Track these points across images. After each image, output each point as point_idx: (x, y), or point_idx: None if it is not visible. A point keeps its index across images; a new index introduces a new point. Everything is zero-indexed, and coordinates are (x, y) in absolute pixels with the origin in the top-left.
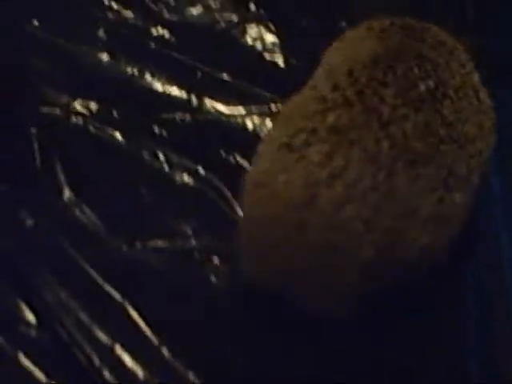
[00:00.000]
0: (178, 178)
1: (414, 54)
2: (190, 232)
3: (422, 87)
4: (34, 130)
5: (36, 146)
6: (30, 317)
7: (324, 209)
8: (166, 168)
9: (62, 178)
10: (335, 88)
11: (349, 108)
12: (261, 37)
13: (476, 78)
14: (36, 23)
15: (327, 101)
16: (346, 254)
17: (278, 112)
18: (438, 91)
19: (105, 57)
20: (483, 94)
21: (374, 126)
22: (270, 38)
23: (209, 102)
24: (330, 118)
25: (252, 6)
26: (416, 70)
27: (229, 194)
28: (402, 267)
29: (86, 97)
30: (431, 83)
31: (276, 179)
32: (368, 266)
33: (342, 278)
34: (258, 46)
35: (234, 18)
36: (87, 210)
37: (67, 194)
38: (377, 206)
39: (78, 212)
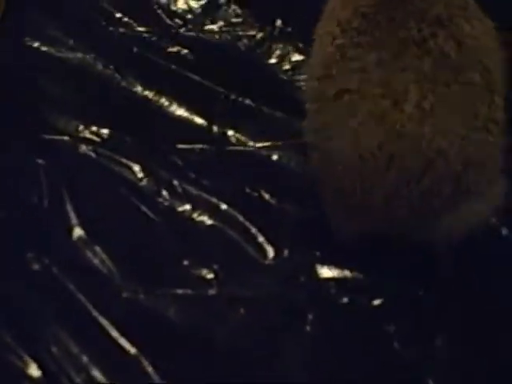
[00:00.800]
0: (197, 215)
1: None
2: (211, 277)
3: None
4: (41, 161)
5: (44, 179)
6: (36, 372)
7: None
8: (185, 204)
9: (71, 215)
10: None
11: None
12: (288, 56)
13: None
14: (47, 41)
15: None
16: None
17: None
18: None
19: (117, 77)
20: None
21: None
22: (297, 58)
23: (231, 132)
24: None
25: (278, 22)
26: None
27: (254, 234)
28: None
29: (98, 123)
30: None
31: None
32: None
33: None
34: (285, 66)
35: (259, 35)
36: (99, 251)
37: (77, 232)
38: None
39: (89, 253)
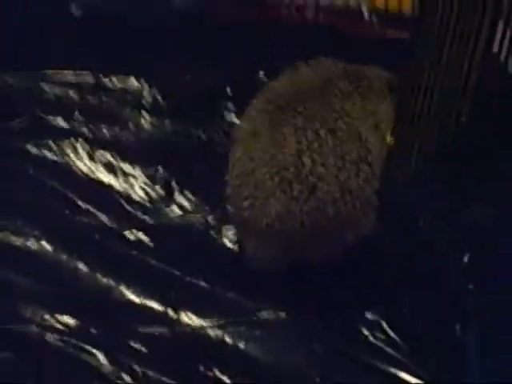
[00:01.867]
0: None
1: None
2: None
3: None
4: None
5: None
6: None
7: None
8: None
9: None
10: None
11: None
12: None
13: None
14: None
15: None
16: None
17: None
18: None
19: (82, 266)
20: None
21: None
22: None
23: (185, 315)
24: None
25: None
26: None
27: None
28: None
29: (63, 311)
30: None
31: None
32: None
33: None
34: (235, 247)
35: (211, 219)
36: None
37: None
38: None
39: None
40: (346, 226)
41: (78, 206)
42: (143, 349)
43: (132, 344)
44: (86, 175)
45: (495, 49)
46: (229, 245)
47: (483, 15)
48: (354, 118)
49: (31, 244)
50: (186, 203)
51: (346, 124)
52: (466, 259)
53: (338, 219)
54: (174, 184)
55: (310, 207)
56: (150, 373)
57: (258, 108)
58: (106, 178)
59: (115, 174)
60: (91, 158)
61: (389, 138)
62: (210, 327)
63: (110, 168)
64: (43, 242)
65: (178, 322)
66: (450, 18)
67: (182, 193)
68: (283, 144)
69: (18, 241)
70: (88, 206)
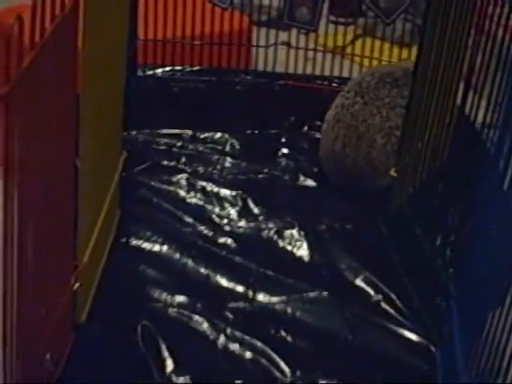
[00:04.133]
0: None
1: None
2: None
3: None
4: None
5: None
6: None
7: None
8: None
9: None
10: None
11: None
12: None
13: None
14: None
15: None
16: None
17: None
18: None
19: (190, 262)
20: None
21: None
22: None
23: (260, 294)
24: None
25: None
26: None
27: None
28: None
29: (179, 293)
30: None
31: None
32: None
33: None
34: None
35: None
36: None
37: None
38: None
39: None
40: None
41: (184, 220)
42: (231, 317)
43: (225, 314)
44: (190, 200)
45: None
46: (288, 247)
47: None
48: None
49: (156, 247)
50: (258, 216)
51: None
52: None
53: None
54: (250, 202)
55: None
56: (237, 333)
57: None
58: (202, 200)
59: (209, 198)
60: (193, 187)
61: (393, 172)
62: (277, 303)
63: (205, 194)
64: (164, 246)
65: (255, 299)
66: None
67: (255, 208)
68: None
69: (148, 245)
70: (186, 217)
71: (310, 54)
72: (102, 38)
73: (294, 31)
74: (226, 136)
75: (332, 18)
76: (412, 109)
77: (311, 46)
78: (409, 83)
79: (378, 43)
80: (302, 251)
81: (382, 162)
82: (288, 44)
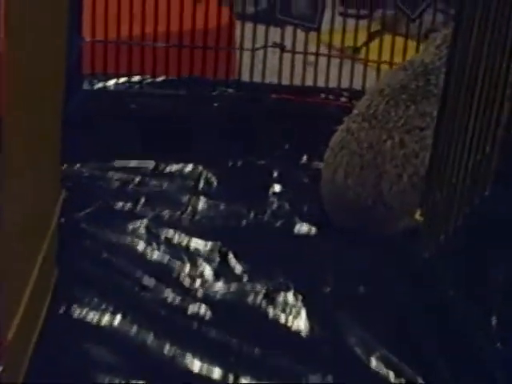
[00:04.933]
0: None
1: None
2: None
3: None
4: None
5: None
6: None
7: None
8: None
9: None
10: None
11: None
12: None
13: None
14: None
15: None
16: None
17: None
18: None
19: (151, 338)
20: None
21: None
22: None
23: (244, 380)
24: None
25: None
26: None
27: None
28: None
29: (135, 378)
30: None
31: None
32: None
33: None
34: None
35: (261, 288)
36: None
37: None
38: None
39: None
40: None
41: (143, 283)
42: None
43: None
44: (151, 255)
45: None
46: (281, 317)
47: None
48: None
49: (106, 318)
50: (242, 276)
51: None
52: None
53: None
54: (230, 257)
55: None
56: None
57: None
58: (167, 256)
59: (176, 252)
60: (155, 238)
61: (418, 215)
62: None
63: (171, 246)
64: (117, 317)
65: None
66: None
67: (238, 265)
68: None
69: (95, 316)
70: (151, 282)
71: (311, 58)
72: (31, 40)
73: (290, 28)
74: (200, 169)
75: (340, 8)
76: (442, 131)
77: (312, 48)
78: (431, 95)
79: (400, 42)
80: (299, 322)
81: (395, 199)
82: (282, 46)
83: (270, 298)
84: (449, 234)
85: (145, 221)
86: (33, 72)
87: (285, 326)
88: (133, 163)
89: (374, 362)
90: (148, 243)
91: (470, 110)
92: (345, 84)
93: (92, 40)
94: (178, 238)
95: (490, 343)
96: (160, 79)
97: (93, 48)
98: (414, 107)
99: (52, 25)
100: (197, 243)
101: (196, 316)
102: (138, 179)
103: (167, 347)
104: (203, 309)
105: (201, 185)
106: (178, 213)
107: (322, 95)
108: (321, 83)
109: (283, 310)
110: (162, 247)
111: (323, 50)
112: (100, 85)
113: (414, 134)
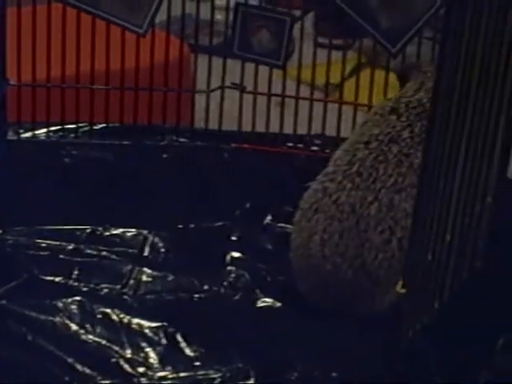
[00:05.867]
0: None
1: None
2: None
3: None
4: None
5: None
6: None
7: None
8: None
9: None
10: None
11: None
12: None
13: None
14: None
15: None
16: None
17: None
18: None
19: None
20: None
21: None
22: None
23: None
24: None
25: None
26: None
27: None
28: None
29: None
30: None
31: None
32: None
33: None
34: None
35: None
36: None
37: None
38: None
39: None
40: None
41: (76, 369)
42: None
43: None
44: (85, 337)
45: None
46: None
47: None
48: None
49: None
50: (193, 361)
51: None
52: None
53: None
54: (179, 339)
55: None
56: None
57: None
58: (104, 338)
59: (116, 333)
60: (91, 316)
61: (399, 287)
62: None
63: (109, 327)
64: None
65: None
66: None
67: (188, 348)
68: None
69: None
70: (86, 369)
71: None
72: None
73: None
74: (145, 233)
75: (321, 39)
76: (425, 186)
77: (277, 87)
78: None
79: (380, 76)
80: None
81: (381, 269)
82: (242, 87)
83: None
84: (435, 308)
85: (78, 297)
86: None
87: None
88: (66, 228)
89: None
90: (82, 323)
91: (455, 160)
92: (316, 129)
93: (18, 83)
94: (117, 316)
95: None
96: (99, 127)
97: (19, 92)
98: (408, 162)
99: None
100: (139, 323)
101: None
102: (71, 247)
103: None
104: None
105: (145, 253)
106: (118, 287)
107: (290, 144)
108: (288, 129)
109: None
110: (99, 328)
111: (291, 87)
112: (28, 134)
113: (406, 192)
